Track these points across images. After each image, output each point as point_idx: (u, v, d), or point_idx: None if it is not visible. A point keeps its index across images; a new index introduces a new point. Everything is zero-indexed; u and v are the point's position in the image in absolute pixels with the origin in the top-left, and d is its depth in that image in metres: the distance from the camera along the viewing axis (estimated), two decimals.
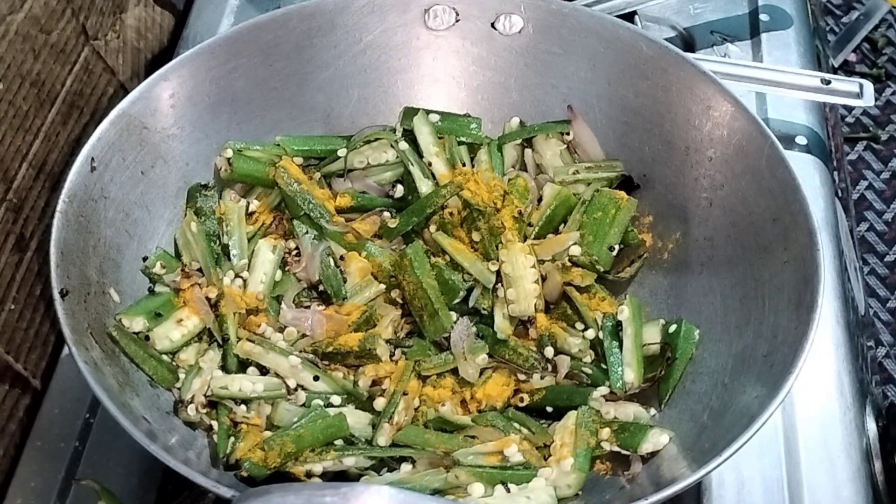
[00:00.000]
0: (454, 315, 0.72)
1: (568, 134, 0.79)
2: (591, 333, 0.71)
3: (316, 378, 0.68)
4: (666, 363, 0.68)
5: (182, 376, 0.68)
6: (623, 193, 0.76)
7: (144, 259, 0.72)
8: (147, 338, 0.69)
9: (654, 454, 0.64)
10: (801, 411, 0.74)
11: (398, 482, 0.62)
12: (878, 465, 0.74)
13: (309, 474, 0.64)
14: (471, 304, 0.72)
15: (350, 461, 0.64)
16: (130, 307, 0.69)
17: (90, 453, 0.73)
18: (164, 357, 0.69)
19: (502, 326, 0.71)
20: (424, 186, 0.76)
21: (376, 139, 0.79)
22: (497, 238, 0.73)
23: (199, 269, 0.73)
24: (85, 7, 0.84)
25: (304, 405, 0.68)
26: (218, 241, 0.75)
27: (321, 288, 0.74)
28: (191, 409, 0.66)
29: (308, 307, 0.74)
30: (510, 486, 0.63)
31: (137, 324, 0.68)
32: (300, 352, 0.70)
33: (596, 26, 0.77)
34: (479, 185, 0.75)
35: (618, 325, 0.70)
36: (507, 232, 0.74)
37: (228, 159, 0.76)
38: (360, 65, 0.80)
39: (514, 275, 0.72)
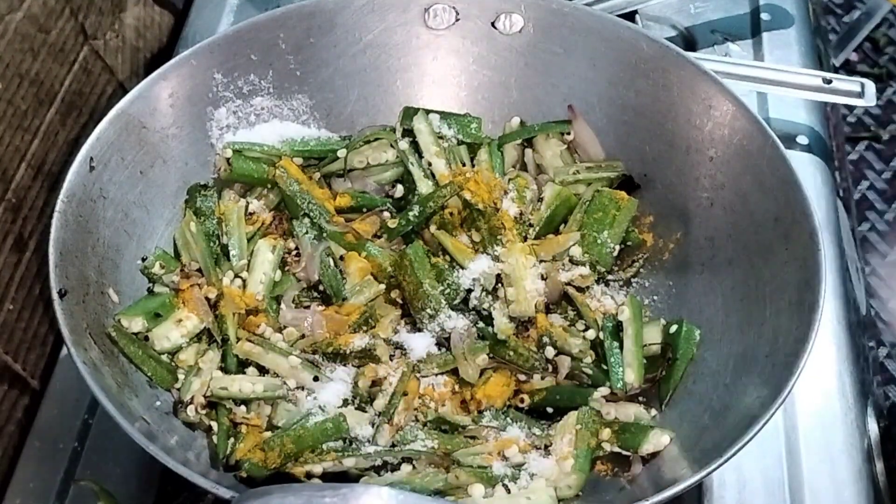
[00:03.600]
0: (454, 315, 0.72)
1: (568, 134, 0.79)
2: (591, 334, 0.71)
3: (316, 378, 0.68)
4: (667, 363, 0.68)
5: (181, 377, 0.68)
6: (623, 193, 0.76)
7: (143, 259, 0.72)
8: (146, 338, 0.69)
9: (654, 455, 0.64)
10: (802, 412, 0.74)
11: (398, 483, 0.62)
12: (879, 465, 0.74)
13: (309, 475, 0.64)
14: (471, 304, 0.72)
15: (350, 462, 0.64)
16: (129, 307, 0.69)
17: (89, 454, 0.73)
18: (164, 357, 0.69)
19: (502, 327, 0.71)
20: (424, 186, 0.76)
21: (376, 139, 0.78)
22: (497, 238, 0.73)
23: (199, 270, 0.73)
24: (84, 6, 0.84)
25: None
26: (217, 242, 0.75)
27: (321, 288, 0.74)
28: (190, 410, 0.66)
29: (308, 307, 0.73)
30: (510, 486, 0.63)
31: (136, 324, 0.68)
32: (300, 352, 0.70)
33: (596, 25, 0.77)
34: (479, 185, 0.75)
35: (618, 326, 0.69)
36: (507, 232, 0.74)
37: (228, 159, 0.76)
38: (360, 64, 0.80)
39: (515, 275, 0.72)
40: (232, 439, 0.66)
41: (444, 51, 0.81)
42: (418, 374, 0.69)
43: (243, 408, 0.68)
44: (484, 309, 0.72)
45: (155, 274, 0.72)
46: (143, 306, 0.70)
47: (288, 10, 0.77)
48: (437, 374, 0.70)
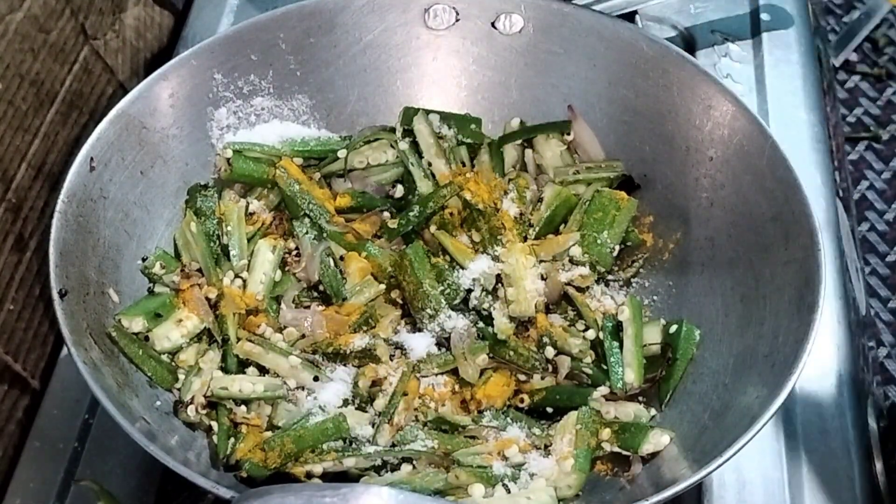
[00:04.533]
0: (454, 315, 0.72)
1: (568, 134, 0.79)
2: (591, 334, 0.71)
3: (316, 378, 0.68)
4: (667, 363, 0.68)
5: (182, 377, 0.68)
6: (623, 194, 0.76)
7: (143, 259, 0.72)
8: (146, 338, 0.69)
9: (654, 455, 0.64)
10: (802, 412, 0.74)
11: (398, 483, 0.62)
12: (879, 465, 0.74)
13: (309, 475, 0.64)
14: (471, 304, 0.72)
15: (350, 462, 0.64)
16: (130, 307, 0.69)
17: (89, 454, 0.73)
18: (164, 357, 0.69)
19: (502, 327, 0.71)
20: (424, 186, 0.76)
21: (376, 139, 0.78)
22: (497, 238, 0.73)
23: (199, 270, 0.73)
24: (84, 6, 0.84)
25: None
26: (217, 242, 0.75)
27: (321, 288, 0.74)
28: (190, 410, 0.66)
29: (308, 307, 0.73)
30: (510, 486, 0.63)
31: (137, 324, 0.68)
32: (300, 352, 0.70)
33: (596, 26, 0.77)
34: (479, 186, 0.75)
35: (618, 326, 0.70)
36: (507, 232, 0.74)
37: (228, 159, 0.76)
38: (360, 64, 0.80)
39: (515, 275, 0.72)
40: (232, 439, 0.66)
41: (444, 51, 0.81)
42: (418, 374, 0.69)
43: (243, 408, 0.68)
44: (484, 309, 0.72)
45: (155, 274, 0.72)
46: (144, 306, 0.70)
47: (288, 11, 0.77)
48: (437, 374, 0.70)
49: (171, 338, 0.69)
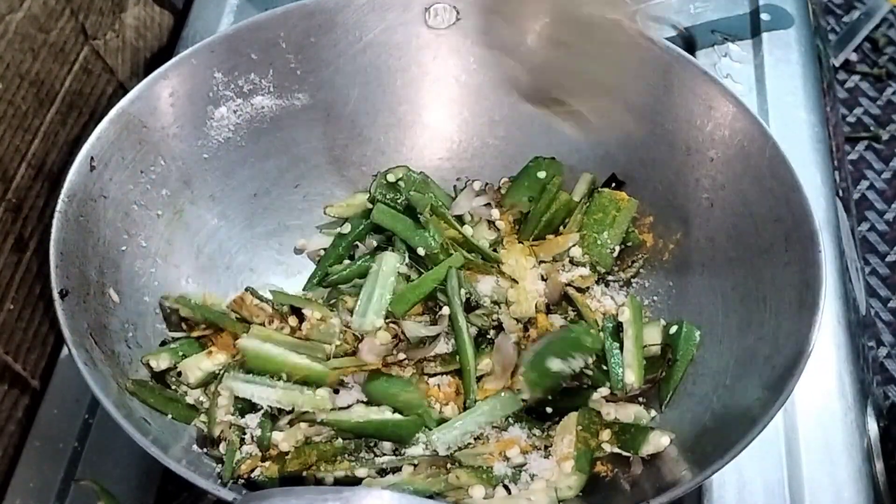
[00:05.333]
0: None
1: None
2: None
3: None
4: (667, 364, 0.68)
5: (203, 404, 0.67)
6: (624, 194, 0.76)
7: (143, 259, 0.72)
8: (178, 372, 0.67)
9: (655, 456, 0.64)
10: (802, 412, 0.74)
11: (399, 485, 0.62)
12: (879, 465, 0.74)
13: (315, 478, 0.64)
14: (480, 321, 0.72)
15: (362, 472, 0.63)
16: (155, 350, 0.68)
17: (89, 454, 0.73)
18: (184, 398, 0.67)
19: (511, 328, 0.70)
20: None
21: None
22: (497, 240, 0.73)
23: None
24: (84, 6, 0.84)
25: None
26: None
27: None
28: (222, 447, 0.65)
29: None
30: (510, 487, 0.63)
31: (164, 361, 0.67)
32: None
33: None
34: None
35: (618, 327, 0.69)
36: (504, 233, 0.74)
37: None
38: (360, 63, 0.80)
39: (515, 276, 0.72)
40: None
41: (445, 50, 0.81)
42: (426, 375, 0.69)
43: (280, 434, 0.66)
44: (494, 320, 0.72)
45: (179, 327, 0.70)
46: (169, 349, 0.68)
47: (288, 10, 0.77)
48: (442, 375, 0.70)
49: (203, 367, 0.68)
